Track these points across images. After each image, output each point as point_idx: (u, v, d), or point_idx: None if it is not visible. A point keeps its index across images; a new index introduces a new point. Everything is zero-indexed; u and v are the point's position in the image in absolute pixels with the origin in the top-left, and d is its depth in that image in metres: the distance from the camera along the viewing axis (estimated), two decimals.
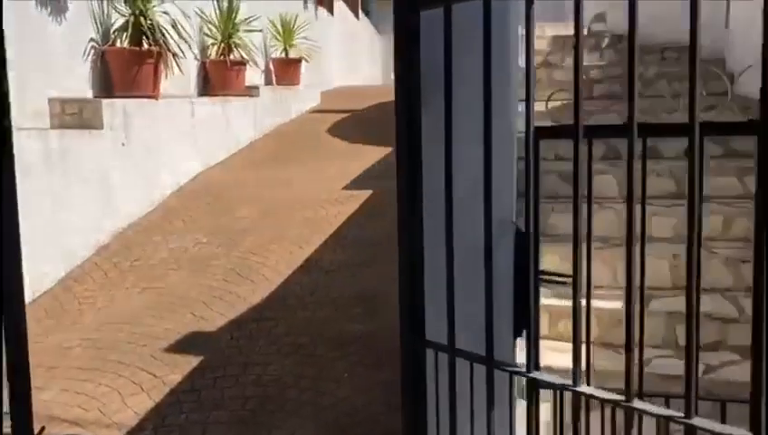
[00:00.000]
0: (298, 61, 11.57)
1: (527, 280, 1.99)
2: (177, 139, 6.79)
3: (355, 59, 21.91)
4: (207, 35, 8.55)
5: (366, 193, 6.52)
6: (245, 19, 8.84)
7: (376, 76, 25.90)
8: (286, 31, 11.37)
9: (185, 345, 3.96)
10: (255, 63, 9.44)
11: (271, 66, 11.43)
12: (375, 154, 8.17)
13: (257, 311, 4.29)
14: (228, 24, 8.56)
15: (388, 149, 8.39)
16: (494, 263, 1.99)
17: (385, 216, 5.86)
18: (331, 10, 17.31)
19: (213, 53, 8.66)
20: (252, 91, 9.27)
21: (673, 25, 4.23)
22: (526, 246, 2.00)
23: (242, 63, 8.72)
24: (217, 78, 8.46)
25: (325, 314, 4.20)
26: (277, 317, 4.21)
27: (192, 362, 3.77)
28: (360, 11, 22.90)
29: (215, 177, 7.24)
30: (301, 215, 6.00)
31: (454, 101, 1.86)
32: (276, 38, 11.30)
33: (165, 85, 6.60)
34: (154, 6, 6.32)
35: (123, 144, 5.77)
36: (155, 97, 6.34)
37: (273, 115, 10.00)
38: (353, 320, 4.11)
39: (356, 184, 6.87)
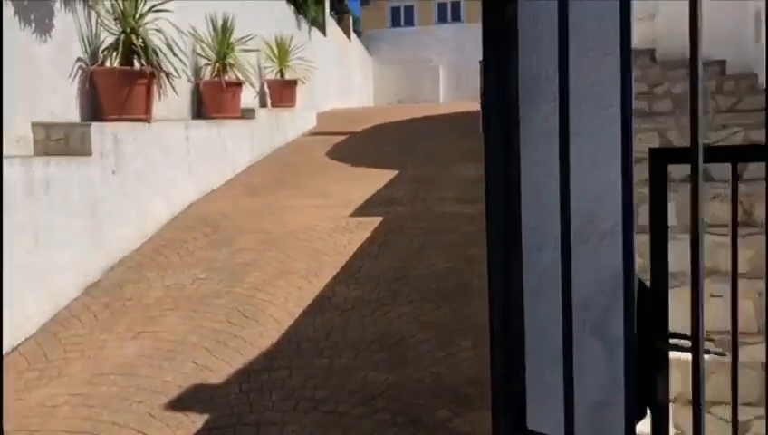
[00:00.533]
0: (294, 82, 11.18)
1: (652, 348, 1.55)
2: (171, 165, 6.33)
3: (348, 81, 21.59)
4: (201, 55, 8.13)
5: (375, 220, 6.07)
6: (241, 38, 8.43)
7: (368, 98, 25.61)
8: (282, 51, 11.00)
9: (187, 401, 3.46)
10: (252, 84, 9.02)
11: (266, 88, 11.03)
12: (379, 178, 7.74)
13: (267, 358, 3.80)
14: (223, 43, 8.15)
15: (393, 173, 7.96)
16: (608, 326, 1.54)
17: (399, 245, 5.42)
18: (323, 31, 16.99)
19: (207, 73, 8.23)
20: (248, 114, 8.84)
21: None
22: (651, 306, 1.56)
23: (237, 84, 8.30)
24: (212, 100, 8.03)
25: (344, 361, 3.72)
26: (291, 366, 3.72)
27: (196, 421, 3.28)
28: (351, 32, 22.63)
29: (212, 205, 6.77)
30: (307, 245, 5.53)
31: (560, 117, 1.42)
32: (271, 59, 10.91)
33: (157, 108, 6.15)
34: (146, 24, 5.88)
35: (113, 172, 5.30)
36: (147, 120, 5.89)
37: (270, 138, 9.57)
38: (377, 368, 3.63)
39: (363, 210, 6.42)
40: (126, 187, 5.48)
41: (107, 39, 5.82)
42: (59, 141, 4.96)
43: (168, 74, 6.03)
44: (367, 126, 12.50)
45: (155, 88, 5.95)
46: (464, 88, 26.88)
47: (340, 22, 20.79)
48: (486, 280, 1.65)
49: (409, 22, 32.82)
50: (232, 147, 7.99)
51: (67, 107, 5.36)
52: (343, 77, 20.45)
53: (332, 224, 6.04)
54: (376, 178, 7.71)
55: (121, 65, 5.72)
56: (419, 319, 4.11)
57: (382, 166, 8.43)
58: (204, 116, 7.97)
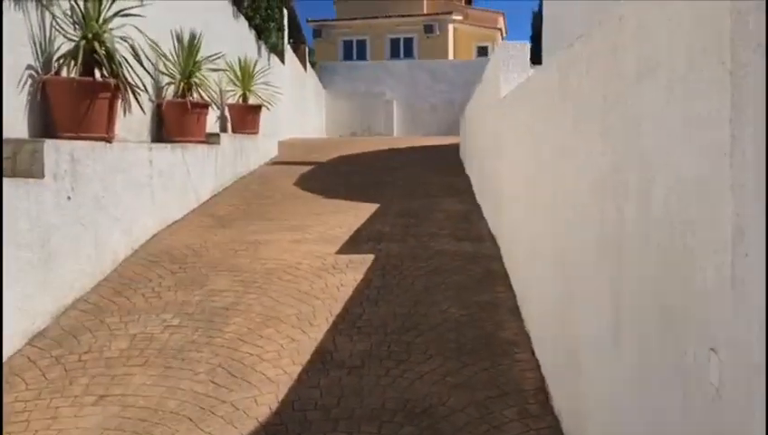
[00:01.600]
0: (258, 108, 10.48)
1: None
2: (133, 191, 5.54)
3: (303, 111, 20.98)
4: (164, 73, 7.38)
5: (367, 258, 5.41)
6: (209, 57, 7.73)
7: (321, 128, 25.01)
8: (245, 75, 10.31)
9: None
10: (217, 107, 8.29)
11: (227, 112, 10.30)
12: (360, 211, 7.10)
13: (269, 432, 3.06)
14: (189, 60, 7.42)
15: (373, 206, 7.33)
16: None
17: (400, 288, 4.77)
18: (282, 59, 16.40)
19: (169, 92, 7.48)
20: (212, 139, 8.10)
21: None
22: None
23: (204, 106, 7.57)
24: (175, 121, 7.27)
25: None
26: None
27: None
28: (307, 63, 22.10)
29: (177, 237, 5.98)
30: (294, 287, 4.82)
31: None
32: (234, 82, 10.20)
33: (116, 128, 5.39)
34: (112, 30, 5.15)
35: (69, 197, 4.50)
36: (109, 139, 5.11)
37: (233, 166, 8.83)
38: None
39: (351, 247, 5.75)
40: (82, 215, 4.67)
41: (63, 45, 5.06)
42: (6, 160, 4.14)
43: (134, 89, 5.29)
44: (332, 156, 11.88)
45: (119, 103, 5.19)
46: (418, 123, 26.64)
47: (296, 51, 20.21)
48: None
49: (361, 56, 32.57)
50: (196, 174, 7.23)
51: (13, 120, 4.55)
52: (299, 107, 19.83)
53: (318, 262, 5.34)
54: (356, 212, 7.06)
55: (81, 75, 4.95)
56: (446, 380, 3.45)
57: (359, 198, 7.80)
58: (164, 139, 7.20)
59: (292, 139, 16.15)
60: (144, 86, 5.44)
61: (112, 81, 5.02)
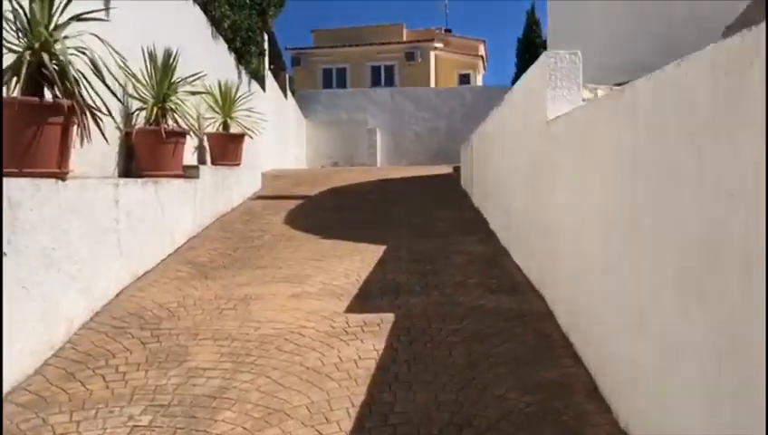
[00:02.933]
0: (241, 137, 9.47)
1: None
2: (94, 239, 4.47)
3: (284, 140, 19.99)
4: (134, 97, 6.36)
5: (386, 319, 4.38)
6: (188, 77, 6.73)
7: (302, 158, 24.01)
8: (227, 100, 9.31)
9: None
10: (196, 135, 7.25)
11: (205, 142, 9.27)
12: (365, 254, 6.08)
13: None
14: (164, 82, 6.41)
15: (379, 248, 6.32)
16: None
17: (437, 362, 3.73)
18: (263, 86, 15.45)
19: (141, 120, 6.45)
20: (190, 172, 7.07)
21: None
22: None
23: (181, 135, 6.53)
24: (148, 153, 6.22)
25: None
26: None
27: None
28: (287, 90, 21.17)
29: (149, 294, 4.91)
30: (298, 362, 3.77)
31: None
32: (214, 109, 9.19)
33: (72, 161, 4.34)
34: (66, 38, 4.12)
35: (4, 253, 3.42)
36: (62, 176, 4.06)
37: (214, 202, 7.78)
38: None
39: (363, 303, 4.72)
40: (24, 276, 3.59)
41: (6, 58, 4.01)
42: None
43: (93, 112, 4.25)
44: (321, 189, 10.88)
45: (74, 130, 4.15)
46: (401, 152, 25.76)
47: (277, 78, 19.25)
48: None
49: (342, 84, 31.78)
50: (172, 213, 6.16)
51: None
52: (281, 136, 18.85)
53: (325, 325, 4.30)
54: (361, 255, 6.04)
55: (25, 95, 3.90)
56: None
57: (362, 238, 6.78)
58: (135, 173, 6.15)
59: (274, 170, 15.15)
60: (108, 110, 4.40)
61: (66, 102, 3.98)
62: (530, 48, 24.42)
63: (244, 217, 8.13)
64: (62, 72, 3.97)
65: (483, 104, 26.00)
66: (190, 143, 7.47)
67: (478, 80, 33.80)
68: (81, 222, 4.27)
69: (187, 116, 6.79)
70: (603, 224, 3.17)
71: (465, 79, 33.09)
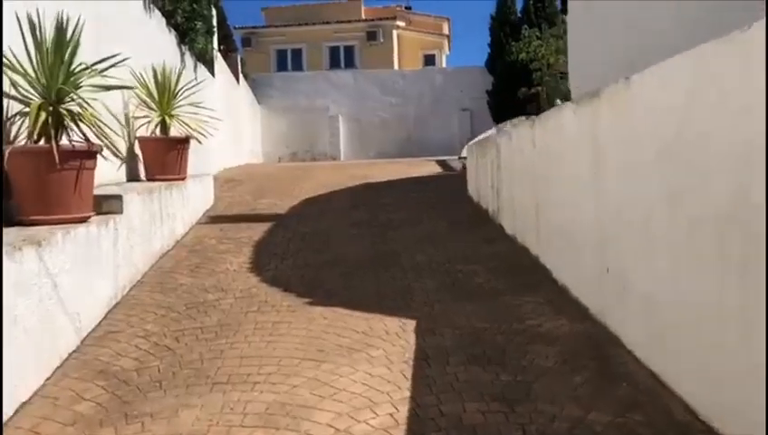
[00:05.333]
0: (185, 141, 7.08)
1: None
2: None
3: (237, 132, 17.48)
4: (13, 97, 3.98)
5: None
6: (95, 63, 4.36)
7: (257, 152, 21.51)
8: (165, 93, 6.90)
9: None
10: (113, 147, 4.80)
11: (138, 150, 6.89)
12: (389, 347, 3.84)
13: None
14: (56, 71, 4.02)
15: (408, 328, 4.08)
16: None
17: None
18: (212, 70, 12.98)
19: (22, 133, 4.07)
20: (109, 205, 4.71)
21: None
22: None
23: (87, 155, 4.16)
24: (31, 187, 3.85)
25: None
26: None
27: None
28: (240, 75, 18.62)
29: None
30: None
31: None
32: (148, 104, 6.80)
33: None
34: None
35: None
36: None
37: (148, 242, 5.42)
38: None
39: None
40: None
41: None
42: None
43: None
44: (292, 202, 8.56)
45: None
46: (367, 141, 23.45)
47: (227, 60, 16.66)
48: None
49: (298, 67, 29.15)
50: (72, 284, 3.79)
51: None
52: (233, 128, 16.34)
53: None
54: (382, 346, 3.77)
55: None
56: None
57: (370, 303, 4.53)
58: (9, 219, 3.79)
59: (227, 171, 12.76)
60: None
61: None
62: (504, 26, 22.33)
63: (193, 258, 5.78)
64: None
65: (453, 87, 23.90)
66: (111, 160, 5.06)
67: (443, 61, 31.61)
68: None
69: (100, 122, 4.40)
70: None
71: (430, 60, 30.86)
